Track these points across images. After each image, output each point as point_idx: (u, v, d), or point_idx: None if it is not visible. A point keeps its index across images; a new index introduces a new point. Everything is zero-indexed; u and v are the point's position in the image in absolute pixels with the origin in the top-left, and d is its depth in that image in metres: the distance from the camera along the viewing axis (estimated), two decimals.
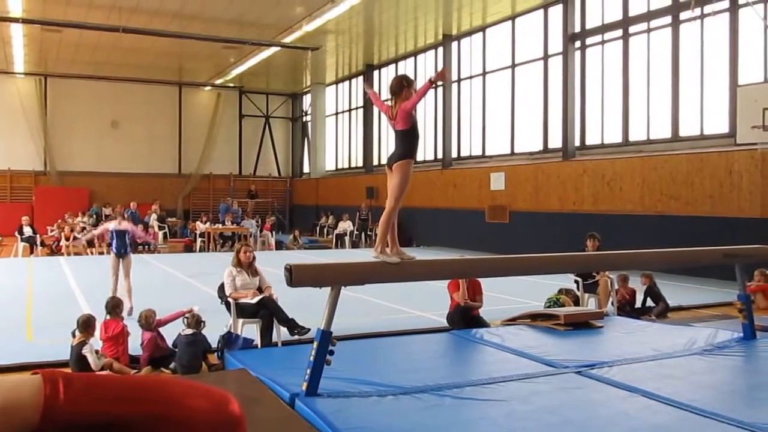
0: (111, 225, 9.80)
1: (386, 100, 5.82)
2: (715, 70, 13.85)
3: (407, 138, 5.40)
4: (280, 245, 21.79)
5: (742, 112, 12.15)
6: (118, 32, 19.14)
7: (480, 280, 8.33)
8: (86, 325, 6.18)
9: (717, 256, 7.34)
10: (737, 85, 12.91)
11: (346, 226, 23.19)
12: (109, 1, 17.75)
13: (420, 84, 5.46)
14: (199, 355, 6.39)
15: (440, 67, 21.84)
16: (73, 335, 6.24)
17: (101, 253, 18.70)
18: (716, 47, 13.84)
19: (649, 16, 15.23)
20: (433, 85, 5.53)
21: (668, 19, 14.85)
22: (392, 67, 25.47)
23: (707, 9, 13.20)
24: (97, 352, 6.19)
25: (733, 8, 13.43)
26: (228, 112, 31.81)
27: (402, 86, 5.41)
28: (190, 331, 6.38)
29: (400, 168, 5.33)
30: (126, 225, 9.79)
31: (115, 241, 9.45)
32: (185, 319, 6.52)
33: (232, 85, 30.58)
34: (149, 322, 6.59)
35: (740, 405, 5.00)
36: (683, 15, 14.28)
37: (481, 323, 8.08)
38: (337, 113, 30.35)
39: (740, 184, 12.81)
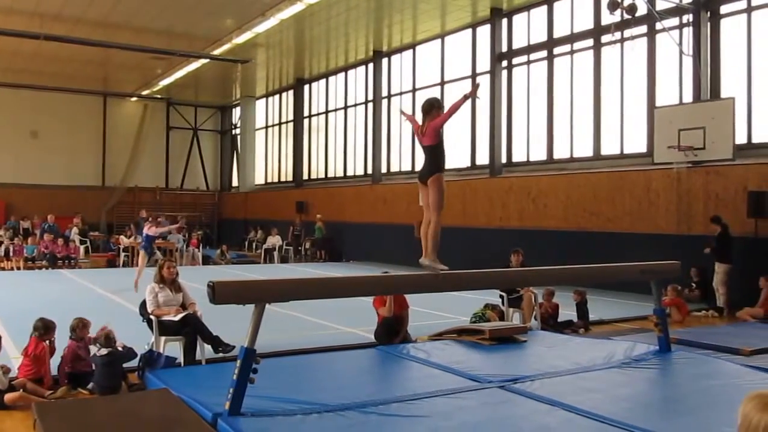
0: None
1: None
2: (634, 92, 14.41)
3: (436, 153, 5.80)
4: (207, 260, 21.40)
5: (659, 132, 12.66)
6: (38, 39, 18.50)
7: (407, 295, 8.36)
8: None
9: (634, 272, 7.59)
10: (654, 106, 13.45)
11: (275, 240, 22.98)
12: (29, 7, 17.18)
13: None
14: (118, 374, 6.18)
15: (371, 83, 22.01)
16: None
17: (17, 268, 17.98)
18: (635, 70, 14.40)
19: (573, 38, 15.74)
20: (466, 100, 5.90)
21: (590, 42, 15.38)
22: (323, 81, 25.50)
23: (627, 33, 13.72)
24: (3, 367, 5.91)
25: (651, 33, 14.01)
26: (155, 124, 31.17)
27: (432, 106, 5.80)
28: (105, 351, 6.16)
29: (436, 182, 5.77)
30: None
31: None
32: (98, 341, 6.29)
33: (159, 96, 29.98)
34: (76, 331, 6.35)
35: (656, 417, 5.17)
36: (604, 38, 14.81)
37: (406, 338, 8.12)
38: (267, 127, 30.14)
39: (657, 201, 13.32)
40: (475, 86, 6.25)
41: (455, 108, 5.73)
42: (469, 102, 6.06)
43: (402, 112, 6.74)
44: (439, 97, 19.17)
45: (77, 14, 17.84)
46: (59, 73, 24.91)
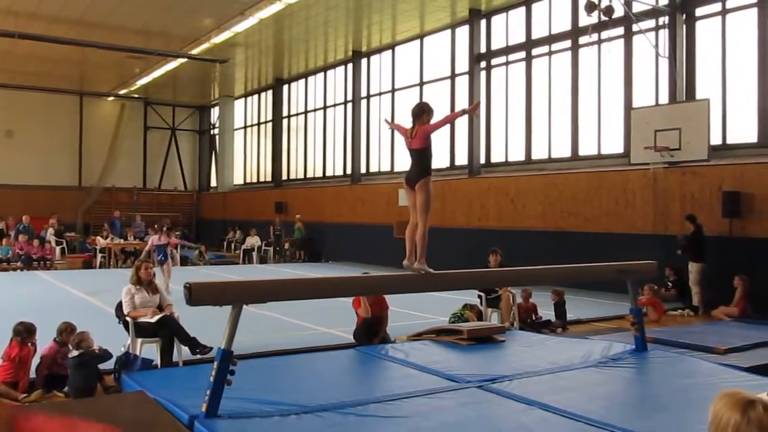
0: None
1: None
2: (612, 93, 14.53)
3: (423, 156, 5.82)
4: (185, 261, 21.24)
5: (636, 133, 12.78)
6: (13, 38, 18.25)
7: (386, 295, 8.36)
8: None
9: (611, 272, 7.65)
10: (631, 107, 13.58)
11: (254, 241, 22.87)
12: (4, 4, 16.95)
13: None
14: (92, 376, 6.10)
15: (350, 83, 21.99)
16: None
17: None
18: (612, 71, 14.52)
19: (551, 39, 15.84)
20: (463, 115, 6.11)
21: (568, 43, 15.48)
22: (302, 81, 25.44)
23: (604, 35, 13.82)
24: None
25: (628, 35, 14.14)
26: (132, 124, 30.89)
27: (423, 111, 5.87)
28: (76, 353, 6.09)
29: (424, 186, 5.79)
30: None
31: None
32: (70, 343, 6.22)
33: (136, 95, 29.74)
34: (62, 335, 6.27)
35: (632, 416, 5.22)
36: (582, 40, 14.91)
37: (386, 339, 8.12)
38: (245, 126, 30.00)
39: (634, 201, 13.44)
40: (476, 104, 6.32)
41: (450, 119, 5.94)
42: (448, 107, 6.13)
43: (387, 122, 6.75)
44: (419, 96, 19.27)
45: (53, 12, 17.63)
46: (35, 72, 24.60)
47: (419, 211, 5.83)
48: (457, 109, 6.08)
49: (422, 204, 5.79)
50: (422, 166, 5.83)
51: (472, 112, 6.18)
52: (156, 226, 14.58)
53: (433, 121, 5.88)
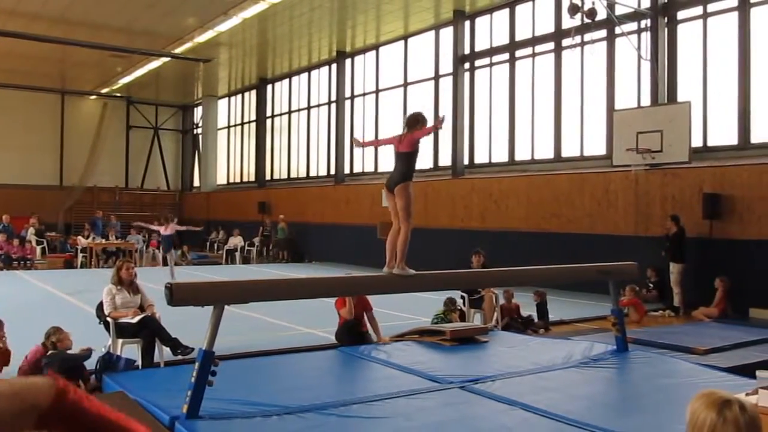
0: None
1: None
2: (594, 95, 14.62)
3: (408, 161, 5.93)
4: (167, 261, 21.08)
5: (618, 135, 12.86)
6: None
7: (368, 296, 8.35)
8: None
9: (592, 273, 7.69)
10: (613, 109, 13.67)
11: (237, 241, 22.77)
12: None
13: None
14: (68, 377, 6.01)
15: (334, 83, 21.96)
16: None
17: None
18: (595, 74, 14.62)
19: (534, 41, 15.91)
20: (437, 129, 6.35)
21: (551, 45, 15.56)
22: (286, 81, 25.38)
23: (587, 37, 13.90)
24: None
25: (610, 38, 14.24)
26: (114, 123, 30.66)
27: (417, 121, 6.04)
28: (50, 352, 6.04)
29: (403, 190, 5.87)
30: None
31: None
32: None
33: (119, 94, 29.53)
34: (49, 338, 6.21)
35: (612, 416, 5.26)
36: (565, 42, 14.99)
37: (367, 340, 8.11)
38: (229, 126, 29.88)
39: (616, 203, 13.54)
40: (441, 119, 6.45)
41: (429, 131, 6.08)
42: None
43: (356, 141, 6.63)
44: (403, 97, 19.33)
45: (33, 9, 17.45)
46: (14, 70, 24.35)
47: (401, 216, 5.90)
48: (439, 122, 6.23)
49: (402, 208, 5.87)
50: (404, 171, 5.90)
51: (439, 125, 6.31)
52: (162, 218, 15.57)
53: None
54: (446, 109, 17.76)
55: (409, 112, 6.31)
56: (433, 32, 18.58)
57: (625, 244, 12.68)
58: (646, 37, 13.49)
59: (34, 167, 28.31)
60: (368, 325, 8.29)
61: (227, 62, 23.87)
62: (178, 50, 20.58)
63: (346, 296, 7.88)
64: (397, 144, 5.95)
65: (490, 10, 16.93)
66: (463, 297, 9.76)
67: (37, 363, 6.16)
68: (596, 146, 14.51)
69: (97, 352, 6.56)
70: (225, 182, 30.12)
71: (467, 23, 17.52)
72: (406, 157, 5.92)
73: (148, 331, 6.83)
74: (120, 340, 6.85)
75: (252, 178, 27.61)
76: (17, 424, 1.04)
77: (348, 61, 21.76)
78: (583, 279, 10.57)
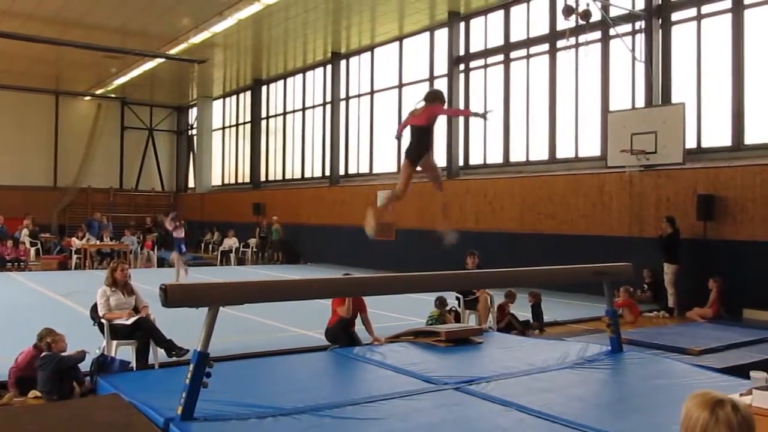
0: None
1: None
2: (589, 96, 14.65)
3: (424, 134, 6.25)
4: (162, 262, 21.06)
5: (612, 136, 12.89)
6: None
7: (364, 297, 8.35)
8: None
9: (587, 274, 7.70)
10: (608, 111, 13.70)
11: (231, 242, 22.73)
12: None
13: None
14: (53, 378, 5.95)
15: (329, 84, 21.98)
16: None
17: None
18: (589, 75, 14.64)
19: (529, 42, 15.93)
20: (474, 116, 6.90)
21: (546, 47, 15.59)
22: (281, 82, 25.36)
23: (581, 39, 13.92)
24: None
25: (605, 39, 14.27)
26: (109, 124, 30.62)
27: (437, 97, 6.39)
28: (44, 354, 6.01)
29: (430, 158, 6.42)
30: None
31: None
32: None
33: (113, 95, 29.46)
34: (42, 340, 6.19)
35: (607, 416, 5.26)
36: (559, 43, 15.01)
37: (356, 340, 8.09)
38: (224, 127, 29.85)
39: (611, 204, 13.56)
40: (488, 111, 6.70)
41: (459, 113, 6.50)
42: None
43: (396, 138, 7.03)
44: (398, 98, 19.32)
45: (28, 10, 17.41)
46: (8, 71, 24.29)
47: (437, 172, 6.88)
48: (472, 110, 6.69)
49: (435, 168, 6.70)
50: (426, 143, 6.25)
51: (484, 115, 6.71)
52: (177, 223, 15.72)
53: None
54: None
55: (430, 89, 6.58)
56: (427, 33, 18.59)
57: (619, 245, 12.70)
58: (640, 38, 13.53)
59: (28, 168, 28.24)
60: (356, 326, 8.30)
61: (222, 63, 23.85)
62: (172, 51, 20.54)
63: (345, 297, 7.87)
64: (412, 118, 6.17)
65: (484, 11, 16.95)
66: (458, 298, 9.77)
67: (28, 365, 6.14)
68: (591, 147, 14.53)
69: (92, 353, 6.53)
70: (220, 183, 30.08)
71: (462, 24, 17.54)
72: (420, 131, 6.13)
73: (143, 333, 6.82)
74: (114, 342, 6.83)
75: (247, 179, 27.59)
76: None
77: (343, 63, 21.76)
78: (578, 280, 10.59)
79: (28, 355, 6.17)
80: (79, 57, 21.70)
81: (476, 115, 6.57)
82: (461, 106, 17.40)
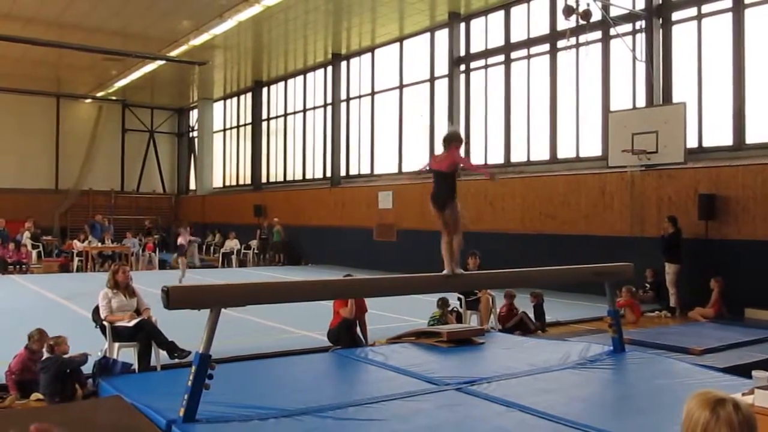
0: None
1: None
2: (589, 96, 14.64)
3: (451, 180, 6.53)
4: (164, 264, 21.09)
5: (613, 136, 12.88)
6: None
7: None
8: None
9: (588, 274, 7.70)
10: (609, 111, 13.69)
11: (233, 244, 22.75)
12: None
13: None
14: (56, 380, 5.95)
15: (330, 85, 21.97)
16: None
17: None
18: (590, 75, 14.64)
19: (529, 43, 15.93)
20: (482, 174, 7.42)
21: (546, 47, 15.59)
22: (281, 84, 25.37)
23: (582, 39, 13.93)
24: None
25: (605, 39, 14.26)
26: (110, 126, 30.65)
27: (454, 138, 6.61)
28: (46, 356, 6.02)
29: (452, 207, 6.52)
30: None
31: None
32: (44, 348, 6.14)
33: (114, 98, 29.45)
34: (33, 340, 6.19)
35: (609, 416, 5.26)
36: (560, 44, 15.01)
37: (358, 342, 8.09)
38: (225, 129, 29.87)
39: (612, 204, 13.55)
40: (498, 172, 7.07)
41: (477, 169, 6.89)
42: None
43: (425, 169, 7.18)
44: (398, 99, 19.34)
45: (29, 13, 17.45)
46: (10, 74, 24.29)
47: (452, 228, 6.59)
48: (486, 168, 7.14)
49: (455, 222, 6.54)
50: (449, 189, 6.49)
51: (494, 179, 7.57)
52: (187, 227, 16.96)
53: (462, 154, 6.70)
54: (442, 112, 17.79)
55: (447, 131, 6.85)
56: (428, 34, 18.60)
57: (620, 245, 12.69)
58: (640, 38, 13.53)
59: (29, 171, 28.27)
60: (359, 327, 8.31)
61: (222, 65, 23.86)
62: (173, 53, 20.55)
63: (346, 298, 7.88)
64: (434, 162, 6.53)
65: (485, 11, 16.96)
66: (459, 299, 9.77)
67: (23, 368, 6.12)
68: (592, 147, 14.53)
69: (94, 356, 6.54)
70: (221, 185, 30.10)
71: (462, 25, 17.54)
72: (447, 177, 6.45)
73: (145, 335, 6.81)
74: (116, 344, 6.83)
75: (248, 181, 27.60)
76: None
77: (343, 64, 21.77)
78: (580, 280, 10.57)
79: (21, 358, 6.17)
80: (79, 60, 21.72)
81: (492, 175, 7.19)
82: (461, 107, 17.42)
